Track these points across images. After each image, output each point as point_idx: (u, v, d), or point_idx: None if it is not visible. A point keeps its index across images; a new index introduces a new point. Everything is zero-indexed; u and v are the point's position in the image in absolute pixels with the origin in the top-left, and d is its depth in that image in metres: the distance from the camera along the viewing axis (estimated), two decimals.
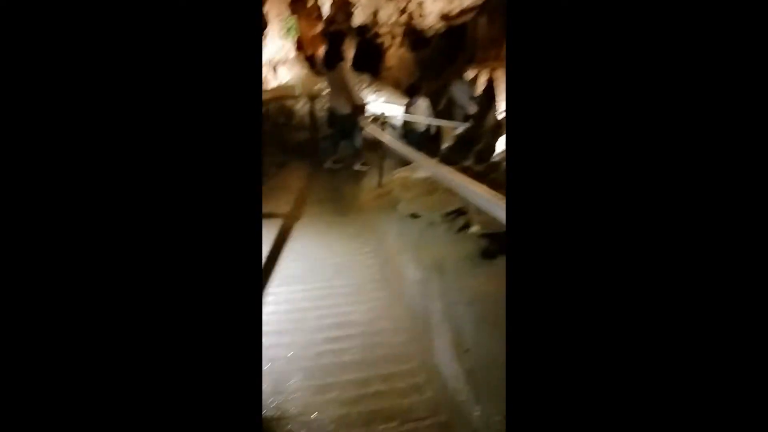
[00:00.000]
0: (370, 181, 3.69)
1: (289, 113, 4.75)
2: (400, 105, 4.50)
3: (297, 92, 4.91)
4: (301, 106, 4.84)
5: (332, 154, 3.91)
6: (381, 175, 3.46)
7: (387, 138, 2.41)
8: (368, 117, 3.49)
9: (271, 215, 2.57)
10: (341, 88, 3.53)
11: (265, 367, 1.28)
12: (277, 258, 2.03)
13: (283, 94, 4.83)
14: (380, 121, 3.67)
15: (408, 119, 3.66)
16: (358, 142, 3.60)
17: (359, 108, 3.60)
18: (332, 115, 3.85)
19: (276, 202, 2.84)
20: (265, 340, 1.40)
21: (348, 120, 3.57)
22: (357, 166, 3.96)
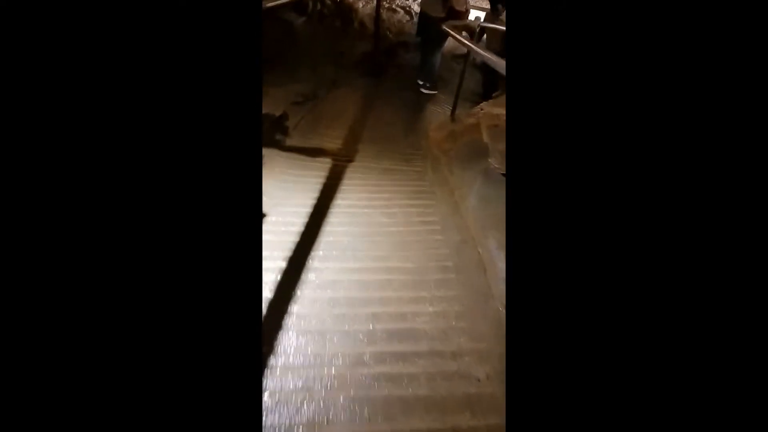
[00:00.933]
0: (440, 111, 2.99)
1: (348, 14, 3.88)
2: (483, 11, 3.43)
3: None
4: (363, 5, 3.91)
5: (419, 71, 3.19)
6: (455, 105, 2.75)
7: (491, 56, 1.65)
8: (458, 25, 2.62)
9: (318, 152, 2.09)
10: None
11: (301, 391, 0.94)
12: (324, 216, 1.61)
13: None
14: (468, 29, 2.76)
15: (488, 27, 2.73)
16: (438, 58, 2.80)
17: (457, 13, 2.72)
18: (423, 20, 3.03)
19: (323, 135, 2.33)
20: (304, 346, 1.05)
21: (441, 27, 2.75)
22: (425, 89, 3.23)
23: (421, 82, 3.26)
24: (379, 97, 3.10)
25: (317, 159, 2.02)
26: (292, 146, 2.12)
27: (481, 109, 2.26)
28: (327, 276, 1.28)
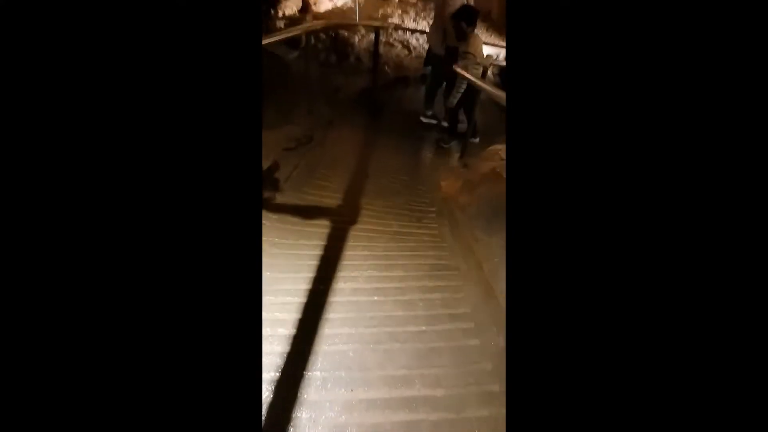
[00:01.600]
0: (447, 154, 2.74)
1: (343, 49, 3.69)
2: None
3: (356, 20, 3.77)
4: (360, 40, 3.73)
5: (427, 106, 3.00)
6: (465, 148, 2.49)
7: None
8: (469, 62, 2.39)
9: (314, 212, 1.76)
10: (442, 17, 2.56)
11: None
12: (322, 309, 1.26)
13: (337, 22, 3.72)
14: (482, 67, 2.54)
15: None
16: (454, 98, 2.56)
17: (454, 51, 2.52)
18: (429, 56, 2.88)
19: (320, 188, 2.02)
20: None
21: (446, 64, 2.55)
22: (424, 118, 3.03)
23: (422, 118, 3.06)
24: (380, 138, 2.83)
25: (313, 222, 1.70)
26: (284, 205, 1.79)
27: (502, 158, 1.99)
28: (328, 416, 0.91)
